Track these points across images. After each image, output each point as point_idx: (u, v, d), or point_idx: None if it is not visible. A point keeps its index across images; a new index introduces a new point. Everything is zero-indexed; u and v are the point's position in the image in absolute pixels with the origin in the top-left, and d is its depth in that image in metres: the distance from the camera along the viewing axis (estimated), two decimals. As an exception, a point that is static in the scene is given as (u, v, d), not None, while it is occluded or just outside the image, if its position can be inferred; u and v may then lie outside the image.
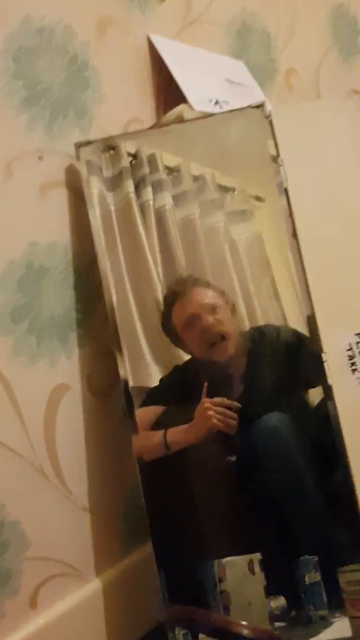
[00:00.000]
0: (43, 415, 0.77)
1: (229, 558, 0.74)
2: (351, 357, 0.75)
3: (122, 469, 0.83)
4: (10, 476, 0.73)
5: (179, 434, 0.78)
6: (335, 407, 0.74)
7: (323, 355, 0.75)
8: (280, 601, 0.76)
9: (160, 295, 0.84)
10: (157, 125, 0.90)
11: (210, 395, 0.77)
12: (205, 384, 0.77)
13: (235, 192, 0.88)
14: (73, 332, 0.81)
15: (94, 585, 0.80)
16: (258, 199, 0.87)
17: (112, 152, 0.85)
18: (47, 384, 0.78)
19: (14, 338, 0.74)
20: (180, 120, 0.86)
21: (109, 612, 0.80)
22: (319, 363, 0.75)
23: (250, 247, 0.88)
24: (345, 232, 0.79)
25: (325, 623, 0.74)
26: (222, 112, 0.89)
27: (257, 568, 0.74)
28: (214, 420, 0.76)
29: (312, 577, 0.75)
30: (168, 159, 0.87)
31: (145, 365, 0.83)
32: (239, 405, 0.77)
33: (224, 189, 0.88)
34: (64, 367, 0.79)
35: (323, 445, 0.76)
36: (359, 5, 1.43)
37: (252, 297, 0.86)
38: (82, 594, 0.79)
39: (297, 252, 0.77)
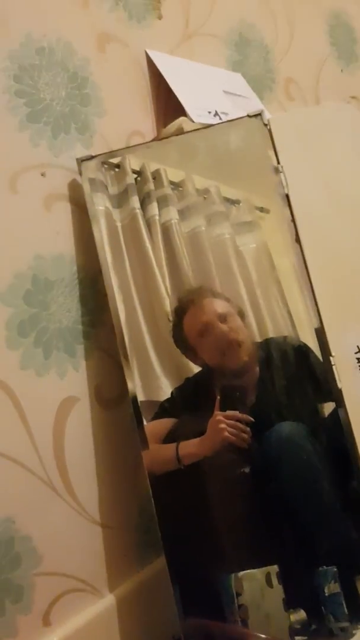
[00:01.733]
0: (52, 428, 0.76)
1: (246, 571, 0.73)
2: (360, 360, 0.74)
3: (133, 481, 0.83)
4: (20, 491, 0.72)
5: (191, 447, 0.77)
6: (346, 412, 0.74)
7: (331, 358, 0.74)
8: (300, 614, 0.74)
9: (169, 308, 0.84)
10: (157, 138, 0.91)
11: (223, 405, 0.77)
12: (218, 397, 0.77)
13: (241, 203, 0.89)
14: (80, 344, 0.81)
15: (108, 601, 0.79)
16: (263, 209, 0.87)
17: (117, 170, 0.86)
18: (55, 396, 0.78)
19: (22, 351, 0.75)
20: (180, 132, 0.87)
21: (123, 627, 0.79)
22: (328, 367, 0.74)
23: (257, 257, 0.88)
24: (350, 236, 0.79)
25: (346, 635, 0.73)
26: (221, 123, 0.90)
27: (275, 580, 0.73)
28: (226, 434, 0.76)
29: (332, 588, 0.73)
30: (172, 174, 0.88)
31: (155, 379, 0.82)
32: (252, 419, 0.76)
33: (229, 201, 0.89)
34: (72, 380, 0.79)
35: (338, 452, 0.75)
36: (356, 13, 1.45)
37: (261, 306, 0.86)
38: (96, 610, 0.78)
39: (301, 257, 0.77)
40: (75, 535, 0.77)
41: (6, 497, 0.71)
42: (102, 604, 0.78)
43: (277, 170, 0.79)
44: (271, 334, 0.85)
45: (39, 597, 0.72)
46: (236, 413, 0.76)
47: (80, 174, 0.83)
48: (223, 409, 0.77)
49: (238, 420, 0.76)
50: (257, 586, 0.73)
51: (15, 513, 0.71)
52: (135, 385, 0.80)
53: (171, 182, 0.87)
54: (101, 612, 0.78)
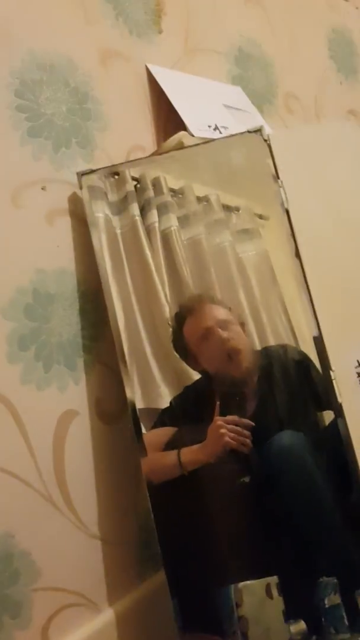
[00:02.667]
0: (52, 443, 0.76)
1: (245, 582, 0.73)
2: (360, 375, 0.74)
3: (133, 495, 0.83)
4: (19, 505, 0.72)
5: (193, 453, 0.77)
6: (345, 426, 0.73)
7: (332, 373, 0.74)
8: (300, 626, 0.74)
9: (169, 316, 0.84)
10: (157, 152, 0.92)
11: (223, 410, 0.77)
12: (218, 402, 0.77)
13: (240, 211, 0.89)
14: (80, 357, 0.81)
15: (107, 616, 0.79)
16: (263, 217, 0.88)
17: (116, 177, 0.86)
18: (55, 410, 0.78)
19: (22, 365, 0.75)
20: (180, 146, 0.87)
21: (123, 643, 0.79)
22: (328, 381, 0.74)
23: (258, 265, 0.88)
24: (349, 251, 0.79)
25: (347, 647, 0.72)
26: (221, 138, 0.90)
27: (274, 592, 0.73)
28: (227, 439, 0.76)
29: (332, 599, 0.73)
30: (172, 181, 0.88)
31: (156, 387, 0.82)
32: (252, 423, 0.76)
33: (229, 209, 0.89)
34: (72, 393, 0.79)
35: (338, 463, 0.75)
36: (355, 27, 1.46)
37: (261, 314, 0.86)
38: (96, 625, 0.77)
39: (301, 272, 0.77)
40: (74, 550, 0.77)
41: (5, 511, 0.71)
42: (101, 619, 0.78)
43: (277, 185, 0.79)
44: (271, 342, 0.85)
45: (37, 612, 0.72)
46: (236, 418, 0.76)
47: (81, 187, 0.83)
48: (223, 414, 0.77)
49: (238, 424, 0.76)
50: (256, 598, 0.72)
51: (14, 528, 0.71)
52: (135, 393, 0.80)
53: (171, 190, 0.87)
54: (100, 627, 0.77)
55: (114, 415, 0.84)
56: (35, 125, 0.81)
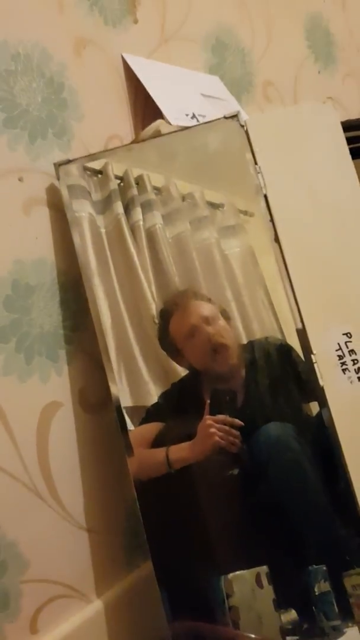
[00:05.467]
0: (35, 434, 0.76)
1: (235, 572, 0.73)
2: (341, 357, 0.75)
3: (119, 485, 0.82)
4: (4, 497, 0.72)
5: (182, 452, 0.77)
6: (329, 411, 0.74)
7: (313, 356, 0.75)
8: (291, 614, 0.74)
9: (155, 313, 0.84)
10: (135, 141, 0.92)
11: (213, 409, 0.77)
12: (208, 401, 0.77)
13: (225, 207, 0.89)
14: (62, 348, 0.81)
15: (95, 606, 0.79)
16: (247, 213, 0.88)
17: (100, 176, 0.86)
18: (38, 401, 0.77)
19: (3, 357, 0.74)
20: (157, 135, 0.87)
21: (112, 633, 0.79)
22: (310, 365, 0.74)
23: (243, 261, 0.88)
24: (329, 234, 0.80)
25: (337, 633, 0.73)
26: (198, 125, 0.90)
27: (265, 581, 0.73)
28: (217, 438, 0.76)
29: (322, 587, 0.74)
30: (156, 179, 0.88)
31: (144, 384, 0.82)
32: (242, 423, 0.77)
33: (213, 205, 0.89)
34: (55, 384, 0.79)
35: (325, 451, 0.76)
36: (332, 16, 1.47)
37: (247, 309, 0.87)
38: (84, 616, 0.77)
39: (281, 256, 0.77)
40: (61, 541, 0.77)
41: (-10, 504, 0.71)
42: (90, 610, 0.78)
43: (255, 171, 0.79)
44: (258, 335, 0.85)
45: (25, 604, 0.72)
46: (226, 417, 0.77)
47: (58, 178, 0.83)
48: (213, 413, 0.77)
49: (228, 424, 0.76)
50: (247, 587, 0.73)
51: (0, 520, 0.71)
52: (123, 391, 0.80)
53: (154, 187, 0.88)
54: (89, 618, 0.77)
55: (98, 405, 0.84)
56: (11, 116, 0.80)
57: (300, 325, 0.76)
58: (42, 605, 0.74)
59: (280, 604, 0.73)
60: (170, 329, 0.82)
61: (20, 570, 0.72)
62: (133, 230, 0.86)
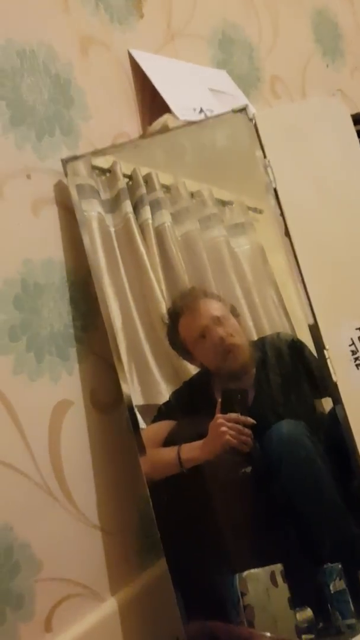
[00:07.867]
0: (47, 433, 0.76)
1: (250, 571, 0.73)
2: (354, 352, 0.74)
3: (132, 484, 0.82)
4: (17, 497, 0.72)
5: (193, 451, 0.77)
6: (343, 408, 0.73)
7: (326, 352, 0.74)
8: (306, 613, 0.74)
9: (164, 312, 0.84)
10: (143, 136, 0.91)
11: (224, 408, 0.77)
12: (219, 400, 0.76)
13: (234, 205, 0.89)
14: (73, 347, 0.81)
15: (110, 605, 0.78)
16: (256, 210, 0.87)
17: (108, 175, 0.86)
18: (49, 400, 0.77)
19: (14, 357, 0.74)
20: (165, 130, 0.87)
21: (127, 631, 0.78)
22: (323, 361, 0.74)
23: (253, 258, 0.88)
24: (339, 228, 0.79)
25: (353, 632, 0.72)
26: (206, 119, 0.89)
27: (280, 580, 0.73)
28: (228, 437, 0.75)
29: (337, 585, 0.73)
30: (164, 177, 0.87)
31: (155, 384, 0.82)
32: (254, 422, 0.76)
33: (222, 203, 0.89)
34: (66, 383, 0.79)
35: (338, 448, 0.75)
36: (339, 10, 1.46)
37: (258, 307, 0.86)
38: (99, 615, 0.77)
39: (291, 251, 0.76)
40: (74, 540, 0.77)
41: (3, 504, 0.70)
42: (104, 609, 0.78)
43: (264, 165, 0.79)
44: (268, 332, 0.85)
45: (40, 604, 0.72)
46: (238, 416, 0.76)
47: (66, 174, 0.83)
48: (224, 412, 0.76)
49: (239, 423, 0.76)
50: (262, 586, 0.72)
51: (12, 520, 0.71)
52: (135, 390, 0.80)
53: (163, 186, 0.87)
54: (103, 617, 0.77)
55: (110, 405, 0.83)
56: (17, 113, 0.80)
57: (312, 321, 0.76)
58: (56, 604, 0.73)
59: (296, 602, 0.72)
60: (180, 330, 0.82)
61: (34, 570, 0.72)
62: (142, 228, 0.86)
